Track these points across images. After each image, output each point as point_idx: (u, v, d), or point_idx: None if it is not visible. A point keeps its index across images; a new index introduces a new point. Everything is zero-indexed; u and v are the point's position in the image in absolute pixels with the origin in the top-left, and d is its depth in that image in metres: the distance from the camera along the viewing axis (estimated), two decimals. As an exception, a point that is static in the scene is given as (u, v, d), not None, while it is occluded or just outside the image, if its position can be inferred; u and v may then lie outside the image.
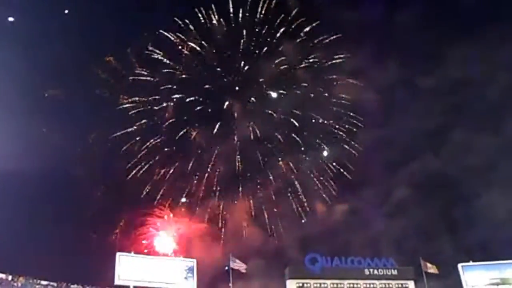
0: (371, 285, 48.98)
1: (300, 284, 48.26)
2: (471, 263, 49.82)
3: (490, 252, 51.06)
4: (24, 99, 48.67)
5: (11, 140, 44.76)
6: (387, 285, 49.01)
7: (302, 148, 63.99)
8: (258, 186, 63.61)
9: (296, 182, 63.58)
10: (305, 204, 63.01)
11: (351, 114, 62.97)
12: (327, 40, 62.07)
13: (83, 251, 49.69)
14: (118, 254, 46.48)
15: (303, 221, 62.53)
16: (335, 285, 48.49)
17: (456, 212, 58.37)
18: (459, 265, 49.54)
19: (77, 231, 51.38)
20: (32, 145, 47.31)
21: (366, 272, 49.22)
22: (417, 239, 58.13)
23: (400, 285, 48.96)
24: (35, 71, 49.91)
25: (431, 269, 49.45)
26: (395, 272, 49.27)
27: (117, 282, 44.47)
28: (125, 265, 45.89)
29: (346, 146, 63.38)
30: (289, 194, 63.30)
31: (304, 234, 60.53)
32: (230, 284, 48.72)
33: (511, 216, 53.21)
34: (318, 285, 48.41)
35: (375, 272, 49.03)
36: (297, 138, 63.35)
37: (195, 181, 61.73)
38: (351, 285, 48.82)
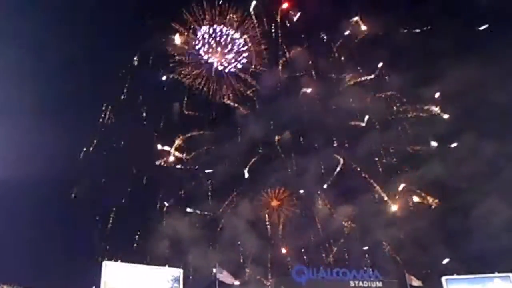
0: (356, 297, 49.29)
1: (286, 296, 48.52)
2: (455, 276, 50.32)
3: (478, 265, 51.40)
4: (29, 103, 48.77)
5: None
6: (371, 297, 49.34)
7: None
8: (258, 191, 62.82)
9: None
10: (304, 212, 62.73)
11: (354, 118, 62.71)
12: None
13: (69, 258, 49.79)
14: (104, 262, 46.90)
15: (300, 229, 61.95)
16: (320, 297, 48.76)
17: (451, 224, 57.35)
18: (443, 278, 50.03)
19: (63, 238, 51.62)
20: (19, 153, 47.56)
21: (352, 284, 49.17)
22: (406, 251, 57.96)
23: (384, 297, 49.30)
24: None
25: (415, 282, 49.94)
26: (379, 284, 49.31)
27: (102, 290, 44.78)
28: (112, 273, 46.33)
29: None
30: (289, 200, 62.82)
31: (301, 243, 60.55)
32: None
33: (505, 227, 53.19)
34: (304, 297, 48.59)
35: (360, 284, 49.05)
36: (301, 142, 63.46)
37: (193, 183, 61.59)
38: (337, 297, 49.08)
